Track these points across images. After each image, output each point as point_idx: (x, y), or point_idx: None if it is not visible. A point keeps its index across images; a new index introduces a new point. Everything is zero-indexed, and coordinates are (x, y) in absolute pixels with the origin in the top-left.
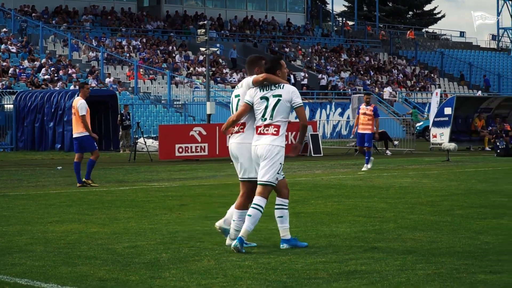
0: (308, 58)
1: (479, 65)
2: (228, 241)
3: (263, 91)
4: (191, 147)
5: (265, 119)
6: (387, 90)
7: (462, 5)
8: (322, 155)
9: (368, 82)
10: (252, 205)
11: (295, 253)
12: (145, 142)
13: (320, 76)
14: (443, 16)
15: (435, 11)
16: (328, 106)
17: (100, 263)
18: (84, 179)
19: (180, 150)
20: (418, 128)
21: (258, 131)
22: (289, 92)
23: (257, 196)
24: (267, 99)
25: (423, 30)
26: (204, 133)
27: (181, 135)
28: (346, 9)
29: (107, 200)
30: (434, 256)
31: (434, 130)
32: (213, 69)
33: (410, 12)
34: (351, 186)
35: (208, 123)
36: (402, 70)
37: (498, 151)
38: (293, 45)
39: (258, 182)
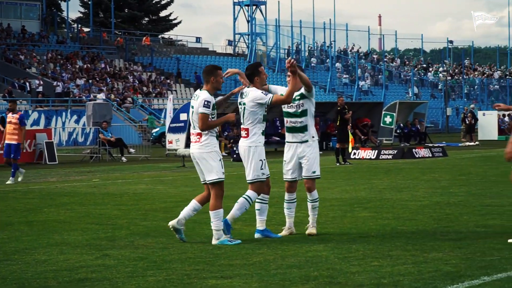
0: (43, 65)
1: None
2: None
3: (240, 98)
4: None
5: (241, 123)
6: (100, 97)
7: (198, 11)
8: (57, 162)
9: (104, 89)
10: (244, 195)
11: (26, 262)
12: None
13: (55, 83)
14: (179, 22)
15: (171, 17)
16: (64, 113)
17: None
18: None
19: None
20: (154, 134)
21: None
22: (252, 100)
23: (249, 190)
24: (239, 105)
25: (159, 36)
26: None
27: None
28: (82, 15)
29: None
30: (165, 262)
31: (170, 136)
32: None
33: (146, 18)
34: (85, 194)
35: None
36: (138, 76)
37: (235, 156)
38: (28, 52)
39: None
